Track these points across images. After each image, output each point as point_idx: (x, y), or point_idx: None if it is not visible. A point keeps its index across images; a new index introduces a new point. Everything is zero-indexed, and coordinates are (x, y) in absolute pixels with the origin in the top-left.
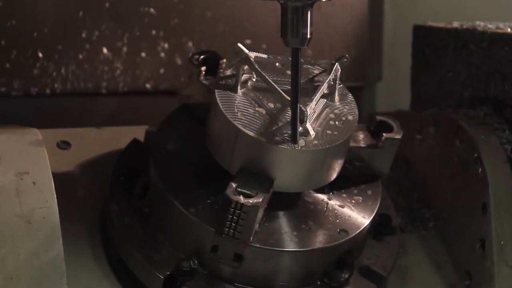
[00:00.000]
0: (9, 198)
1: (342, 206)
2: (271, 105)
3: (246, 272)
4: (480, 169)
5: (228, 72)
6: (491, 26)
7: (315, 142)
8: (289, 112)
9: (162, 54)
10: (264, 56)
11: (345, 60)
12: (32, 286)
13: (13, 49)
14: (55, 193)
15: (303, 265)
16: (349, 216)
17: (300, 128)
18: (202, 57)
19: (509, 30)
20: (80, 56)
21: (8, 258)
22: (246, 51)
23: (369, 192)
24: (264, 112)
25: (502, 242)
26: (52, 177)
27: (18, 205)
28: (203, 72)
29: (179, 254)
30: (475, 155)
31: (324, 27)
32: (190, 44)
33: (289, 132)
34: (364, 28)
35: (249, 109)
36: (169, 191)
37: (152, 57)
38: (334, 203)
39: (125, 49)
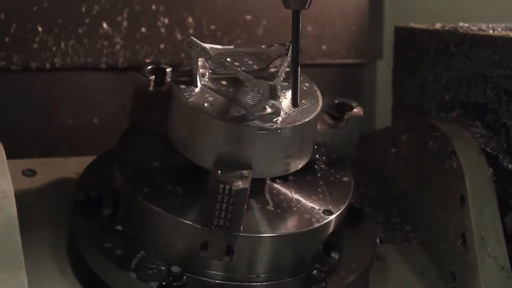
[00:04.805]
0: None
1: (314, 193)
2: (234, 91)
3: (235, 267)
4: (455, 163)
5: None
6: (474, 28)
7: (287, 120)
8: (253, 95)
9: (162, 30)
10: (219, 47)
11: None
12: None
13: (12, 22)
14: (11, 184)
15: (296, 249)
16: (325, 199)
17: (269, 106)
18: (149, 67)
19: (491, 32)
20: (80, 31)
21: None
22: (201, 43)
23: (339, 178)
24: (229, 98)
25: (483, 233)
26: (8, 171)
27: None
28: (153, 82)
29: (165, 264)
30: (449, 149)
31: (324, 0)
32: (190, 19)
33: (262, 114)
34: (364, 3)
35: (214, 99)
36: (143, 198)
37: (152, 32)
38: (302, 191)
39: (125, 23)
